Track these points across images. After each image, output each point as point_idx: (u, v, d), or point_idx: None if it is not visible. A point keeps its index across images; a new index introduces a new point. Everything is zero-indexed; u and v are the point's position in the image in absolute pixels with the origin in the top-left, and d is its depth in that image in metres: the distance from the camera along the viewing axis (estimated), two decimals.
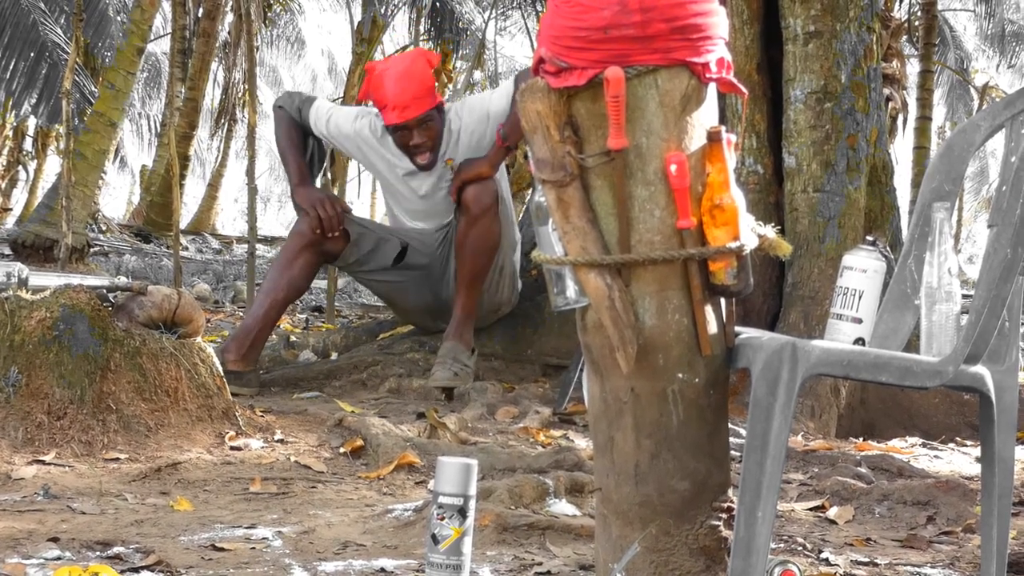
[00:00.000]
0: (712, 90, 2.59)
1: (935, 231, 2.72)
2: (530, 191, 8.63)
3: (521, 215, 8.47)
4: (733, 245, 2.52)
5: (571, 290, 2.60)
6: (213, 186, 25.27)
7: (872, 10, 5.59)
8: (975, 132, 2.93)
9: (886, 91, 13.69)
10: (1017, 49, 26.53)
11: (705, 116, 2.57)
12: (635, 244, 2.52)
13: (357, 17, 22.69)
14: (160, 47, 26.61)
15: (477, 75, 23.89)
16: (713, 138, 2.54)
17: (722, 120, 2.69)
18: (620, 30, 2.45)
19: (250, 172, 9.95)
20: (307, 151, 5.75)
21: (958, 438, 5.38)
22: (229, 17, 20.03)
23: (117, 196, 38.98)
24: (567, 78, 2.52)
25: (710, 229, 2.53)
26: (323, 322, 9.46)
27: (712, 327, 2.58)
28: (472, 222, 5.44)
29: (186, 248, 16.65)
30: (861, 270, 2.82)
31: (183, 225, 19.25)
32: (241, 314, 9.71)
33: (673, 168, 2.49)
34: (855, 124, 5.55)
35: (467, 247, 5.51)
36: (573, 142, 2.54)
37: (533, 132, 2.55)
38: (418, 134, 5.50)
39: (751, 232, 2.60)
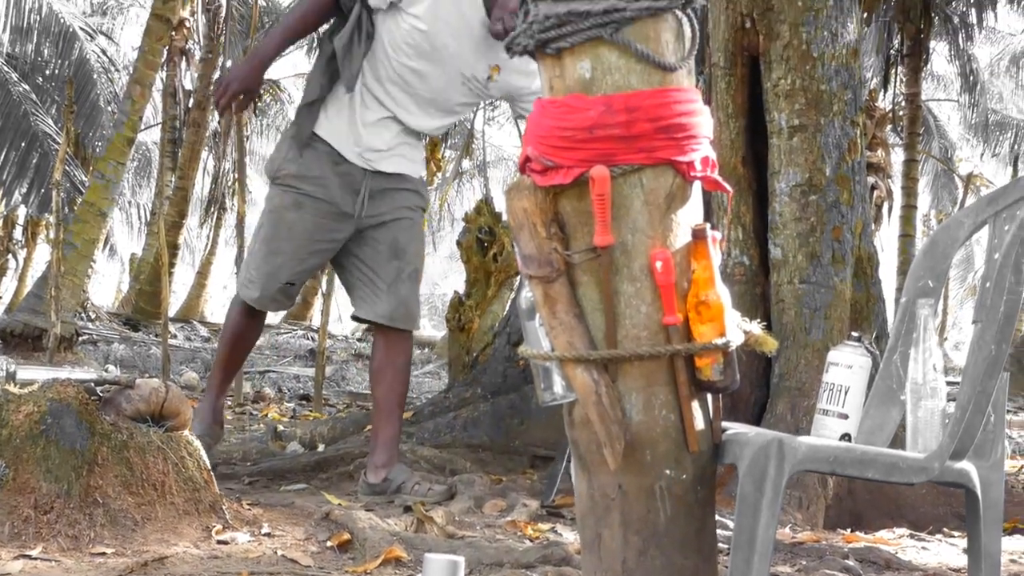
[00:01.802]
0: (697, 188, 2.62)
1: (920, 327, 2.75)
2: (517, 280, 8.66)
3: (508, 306, 8.49)
4: (719, 341, 2.54)
5: (558, 385, 2.61)
6: (202, 274, 25.32)
7: (856, 104, 5.66)
8: (959, 229, 2.96)
9: (871, 180, 13.85)
10: (1000, 138, 26.80)
11: (690, 213, 2.59)
12: (622, 340, 2.54)
13: None
14: (151, 136, 26.76)
15: (466, 163, 24.05)
16: (698, 235, 2.57)
17: (707, 212, 2.72)
18: (605, 130, 2.49)
19: (239, 262, 9.99)
20: (297, 37, 5.24)
21: (945, 528, 5.37)
22: None
23: (106, 284, 39.01)
24: (553, 176, 2.55)
25: (696, 325, 2.55)
26: (311, 410, 9.44)
27: (699, 423, 2.58)
28: (394, 343, 5.21)
29: (174, 336, 16.63)
30: (847, 366, 2.84)
31: (172, 312, 19.27)
32: (228, 402, 9.70)
33: (659, 265, 2.52)
34: (840, 216, 5.59)
35: (389, 370, 5.24)
36: (559, 239, 2.56)
37: (520, 229, 2.57)
38: None
39: (737, 328, 2.62)
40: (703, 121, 2.59)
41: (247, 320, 5.36)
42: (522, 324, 2.67)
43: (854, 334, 2.91)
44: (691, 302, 2.56)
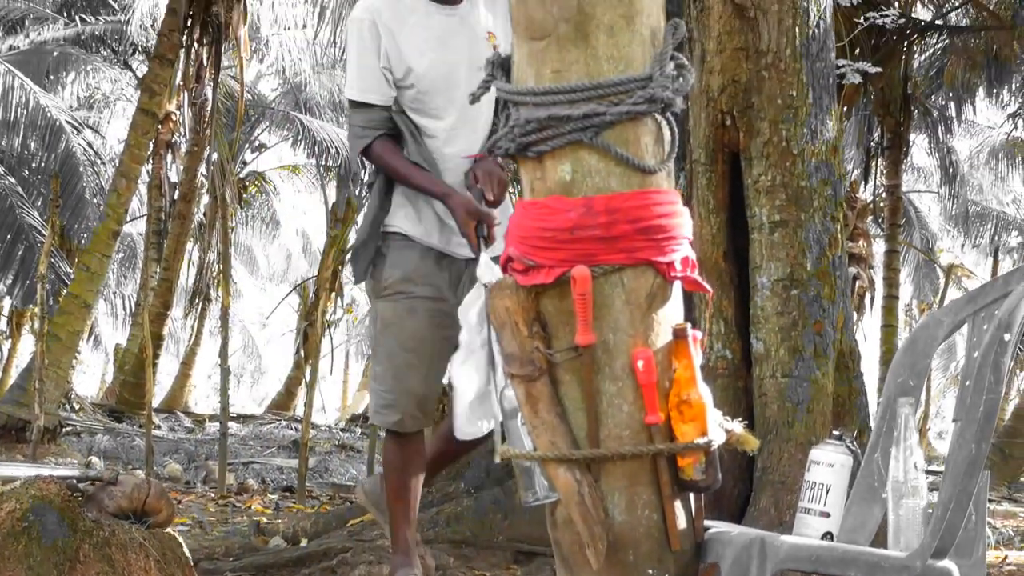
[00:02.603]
0: (677, 288, 2.65)
1: (900, 426, 2.76)
2: None
3: None
4: (701, 441, 2.55)
5: (540, 485, 2.61)
6: (186, 364, 25.21)
7: (836, 200, 5.70)
8: (938, 327, 2.99)
9: (853, 270, 13.91)
10: (981, 229, 27.01)
11: (671, 313, 2.62)
12: (604, 439, 2.55)
13: (332, 198, 23.00)
14: (136, 228, 26.80)
15: None
16: (679, 335, 2.59)
17: (689, 305, 2.75)
18: (586, 231, 2.52)
19: (223, 353, 9.99)
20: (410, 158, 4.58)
21: None
22: (205, 199, 20.25)
23: (91, 374, 38.85)
24: (535, 276, 2.57)
25: (678, 424, 2.56)
26: (294, 503, 9.39)
27: (681, 522, 2.59)
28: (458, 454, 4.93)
29: (158, 427, 16.54)
30: (828, 464, 2.85)
31: (156, 403, 19.16)
32: (212, 494, 9.65)
33: (640, 364, 2.54)
34: (821, 311, 5.61)
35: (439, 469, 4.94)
36: (541, 338, 2.58)
37: (502, 327, 2.59)
38: None
39: (719, 427, 2.63)
40: (683, 222, 2.62)
41: (403, 447, 4.70)
42: (504, 423, 2.68)
43: (835, 432, 2.93)
44: (673, 401, 2.57)
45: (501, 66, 2.67)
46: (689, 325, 2.61)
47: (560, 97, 2.52)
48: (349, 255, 4.75)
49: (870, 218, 16.43)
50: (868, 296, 15.40)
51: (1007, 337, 2.60)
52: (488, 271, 3.11)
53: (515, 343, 2.58)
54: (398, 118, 4.57)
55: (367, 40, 4.52)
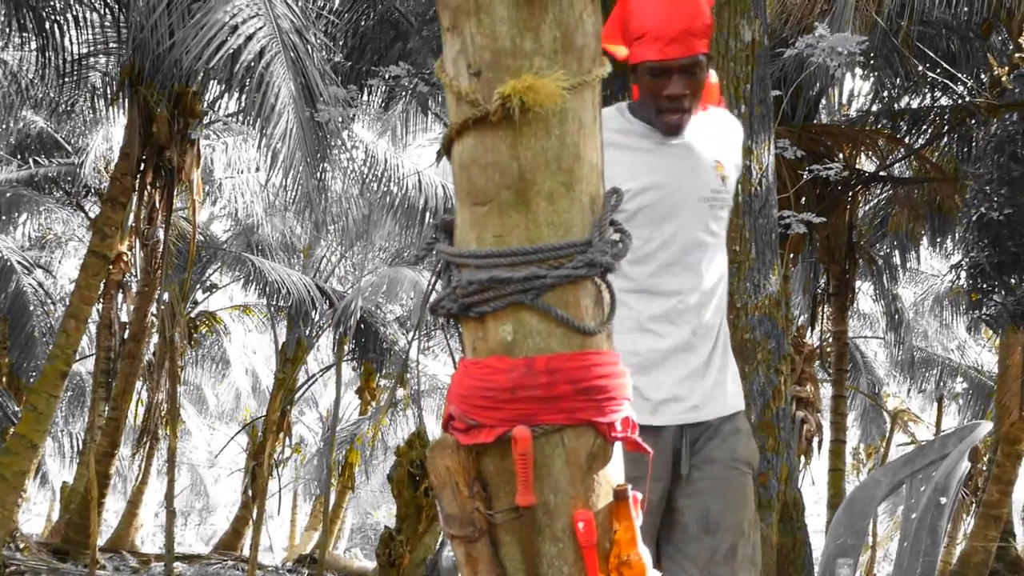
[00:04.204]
0: (618, 448, 2.67)
1: None
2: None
3: (439, 541, 8.43)
4: None
5: None
6: (133, 503, 24.87)
7: (779, 353, 5.77)
8: (876, 488, 3.01)
9: (801, 414, 13.99)
10: (927, 375, 27.25)
11: (612, 473, 2.63)
12: None
13: (282, 338, 22.97)
14: (85, 367, 26.61)
15: (400, 393, 24.07)
16: (620, 496, 2.60)
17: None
18: (527, 391, 2.54)
19: (169, 496, 9.92)
20: None
21: None
22: (155, 339, 20.15)
23: (37, 512, 38.25)
24: (476, 435, 2.59)
25: None
26: None
27: None
28: None
29: (103, 567, 16.28)
30: None
31: (102, 541, 18.87)
32: None
33: (581, 525, 2.54)
34: (766, 463, 5.64)
35: None
36: (482, 498, 2.59)
37: (442, 488, 2.59)
38: (677, 82, 3.77)
39: None
40: (623, 383, 2.65)
41: None
42: None
43: None
44: (613, 562, 2.58)
45: (444, 229, 2.71)
46: (630, 486, 2.62)
47: (501, 260, 2.55)
48: None
49: (817, 363, 16.57)
50: (816, 440, 15.49)
51: (943, 500, 2.63)
52: None
53: (455, 504, 2.58)
54: None
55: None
